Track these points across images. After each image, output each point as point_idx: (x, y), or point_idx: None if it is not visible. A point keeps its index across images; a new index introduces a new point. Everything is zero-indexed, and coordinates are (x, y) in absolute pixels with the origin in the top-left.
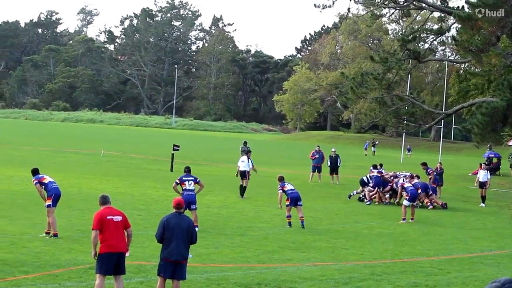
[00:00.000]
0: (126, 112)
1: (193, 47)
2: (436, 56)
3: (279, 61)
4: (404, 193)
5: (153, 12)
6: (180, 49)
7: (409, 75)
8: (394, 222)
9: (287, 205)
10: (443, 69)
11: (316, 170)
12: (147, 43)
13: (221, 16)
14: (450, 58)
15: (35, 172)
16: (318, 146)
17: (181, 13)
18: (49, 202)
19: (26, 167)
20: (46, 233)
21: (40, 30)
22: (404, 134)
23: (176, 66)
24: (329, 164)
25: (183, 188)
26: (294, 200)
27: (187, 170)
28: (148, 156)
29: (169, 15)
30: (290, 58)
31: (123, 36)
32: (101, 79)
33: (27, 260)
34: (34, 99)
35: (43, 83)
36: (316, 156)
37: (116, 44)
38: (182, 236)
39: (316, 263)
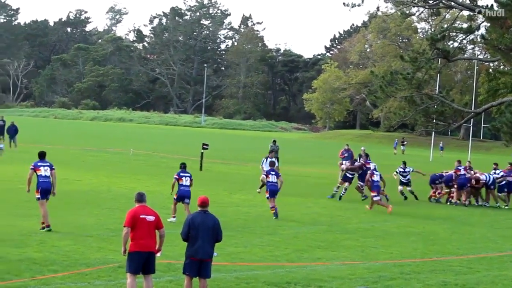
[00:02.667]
0: (155, 111)
1: (222, 46)
2: (466, 55)
3: (308, 60)
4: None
5: (182, 11)
6: (209, 48)
7: (439, 74)
8: (424, 221)
9: (267, 197)
10: (472, 68)
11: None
12: (176, 42)
13: (250, 15)
14: (479, 57)
15: (40, 156)
16: (347, 144)
17: (210, 12)
18: (38, 195)
19: (55, 166)
20: (42, 223)
21: (69, 29)
22: (433, 133)
23: (205, 65)
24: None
25: (180, 183)
26: (272, 192)
27: (184, 166)
28: (177, 155)
29: (198, 14)
30: (320, 56)
31: (152, 35)
32: (130, 78)
33: (57, 259)
34: (63, 98)
35: (72, 82)
36: (345, 154)
37: (145, 43)
38: (207, 235)
39: (345, 262)
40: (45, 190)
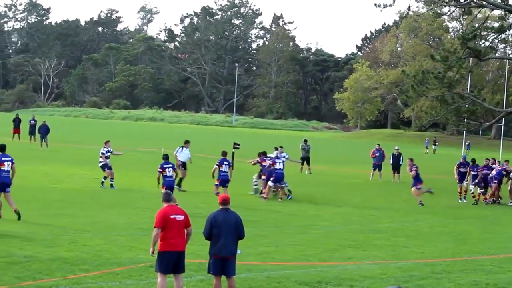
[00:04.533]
0: (186, 110)
1: (254, 46)
2: (497, 54)
3: (339, 59)
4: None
5: (213, 11)
6: (240, 47)
7: (470, 73)
8: (455, 221)
9: (216, 185)
10: (503, 67)
11: (377, 168)
12: (208, 42)
13: (281, 14)
14: (510, 56)
15: (2, 149)
16: (378, 144)
17: (242, 11)
18: None
19: (87, 165)
20: None
21: (100, 29)
22: (464, 132)
23: (236, 64)
24: (391, 162)
25: (164, 175)
26: (223, 181)
27: (166, 158)
28: (208, 154)
29: (229, 13)
30: (351, 56)
31: (183, 35)
32: (161, 78)
33: (88, 258)
34: (94, 97)
35: (103, 82)
36: (377, 154)
37: (176, 42)
38: (230, 232)
39: (376, 261)
40: (5, 183)
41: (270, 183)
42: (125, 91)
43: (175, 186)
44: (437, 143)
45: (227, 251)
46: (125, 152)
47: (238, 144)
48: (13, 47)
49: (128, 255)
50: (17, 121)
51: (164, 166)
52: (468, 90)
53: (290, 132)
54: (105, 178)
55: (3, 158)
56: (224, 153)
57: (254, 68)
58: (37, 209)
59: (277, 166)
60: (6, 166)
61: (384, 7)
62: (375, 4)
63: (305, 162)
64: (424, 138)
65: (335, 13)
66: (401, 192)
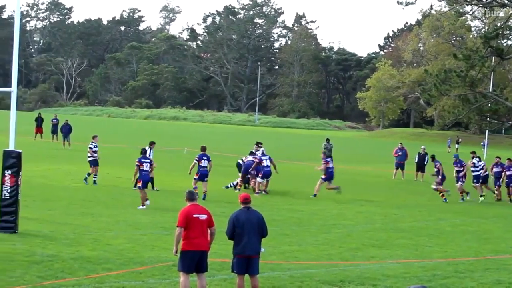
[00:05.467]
0: (209, 109)
1: (276, 45)
2: None
3: (362, 58)
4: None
5: (236, 10)
6: (262, 46)
7: (492, 72)
8: (478, 220)
9: (195, 179)
10: None
11: (399, 167)
12: (230, 41)
13: (303, 13)
14: None
15: None
16: (401, 143)
17: (264, 10)
18: None
19: (109, 165)
20: None
21: (122, 28)
22: (487, 131)
23: (259, 63)
24: (416, 161)
25: (141, 169)
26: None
27: (144, 152)
28: (231, 153)
29: (251, 12)
30: (373, 55)
31: (205, 34)
32: (184, 77)
33: (111, 257)
34: (117, 96)
35: (125, 81)
36: (399, 153)
37: (198, 41)
38: (253, 231)
39: (399, 261)
40: None
41: (259, 179)
42: (147, 90)
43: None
44: (460, 142)
45: (251, 250)
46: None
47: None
48: (35, 47)
49: (151, 254)
50: (39, 121)
51: (142, 160)
52: (490, 89)
53: (313, 131)
54: (88, 174)
55: None
56: (203, 148)
57: (277, 67)
58: (60, 208)
59: (264, 163)
60: None
61: (406, 5)
62: (398, 2)
63: None
64: (446, 137)
65: (357, 12)
66: (424, 191)
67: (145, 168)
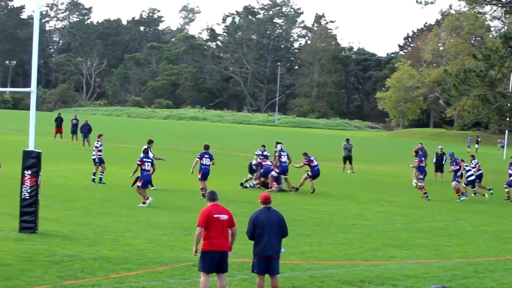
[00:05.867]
0: (228, 109)
1: (296, 45)
2: None
3: (381, 58)
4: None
5: (255, 10)
6: (282, 46)
7: None
8: (498, 220)
9: (199, 179)
10: None
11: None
12: (249, 41)
13: (323, 13)
14: None
15: None
16: (421, 143)
17: (283, 10)
18: None
19: (129, 164)
20: None
21: (142, 28)
22: (506, 131)
23: (278, 63)
24: (434, 161)
25: (143, 168)
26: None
27: (146, 152)
28: (251, 153)
29: (271, 12)
30: (393, 55)
31: (225, 34)
32: (203, 77)
33: (130, 257)
34: (136, 96)
35: (145, 81)
36: (419, 153)
37: (218, 41)
38: (273, 231)
39: (419, 261)
40: None
41: (274, 173)
42: (167, 90)
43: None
44: (479, 142)
45: (271, 250)
46: (167, 151)
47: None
48: (55, 47)
49: (171, 254)
50: (59, 121)
51: (144, 159)
52: (510, 89)
53: (332, 131)
54: (94, 173)
55: None
56: (206, 147)
57: (296, 67)
58: (80, 208)
59: (283, 159)
60: None
61: (425, 4)
62: (417, 1)
63: (347, 161)
64: (466, 137)
65: (377, 12)
66: (444, 191)
67: (146, 168)
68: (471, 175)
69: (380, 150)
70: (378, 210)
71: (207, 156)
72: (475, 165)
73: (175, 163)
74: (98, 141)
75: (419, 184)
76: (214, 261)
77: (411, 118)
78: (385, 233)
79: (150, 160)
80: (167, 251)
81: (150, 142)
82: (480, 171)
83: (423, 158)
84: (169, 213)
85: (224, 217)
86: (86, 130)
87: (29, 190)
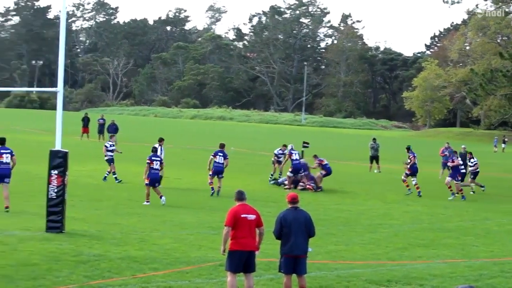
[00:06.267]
0: (255, 109)
1: (322, 44)
2: None
3: (408, 58)
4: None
5: (282, 9)
6: (309, 46)
7: None
8: None
9: (210, 175)
10: None
11: (446, 167)
12: (276, 40)
13: (349, 13)
14: None
15: (0, 142)
16: (448, 143)
17: (310, 10)
18: None
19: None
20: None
21: (168, 28)
22: None
23: (305, 63)
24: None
25: (151, 167)
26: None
27: (155, 150)
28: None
29: (297, 12)
30: (419, 55)
31: (251, 34)
32: (230, 76)
33: (157, 257)
34: (163, 96)
35: (172, 81)
36: (446, 153)
37: (244, 41)
38: (300, 231)
39: (446, 260)
40: (2, 175)
41: (289, 173)
42: (193, 90)
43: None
44: (506, 142)
45: (299, 249)
46: (195, 151)
47: (308, 143)
48: (81, 47)
49: (197, 254)
50: (86, 120)
51: (153, 158)
52: None
53: (359, 131)
54: (109, 172)
55: (1, 151)
56: (221, 145)
57: (323, 66)
58: (106, 208)
59: (294, 157)
60: (5, 158)
61: (452, 4)
62: (443, 1)
63: (374, 161)
64: (493, 137)
65: (403, 12)
66: (470, 191)
67: (154, 166)
68: (463, 169)
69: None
70: (405, 209)
71: (221, 154)
72: (474, 164)
73: (202, 163)
74: (109, 141)
75: (403, 177)
76: (241, 261)
77: (437, 117)
78: (412, 233)
79: (159, 159)
80: (194, 251)
81: (161, 140)
82: (478, 170)
83: (415, 155)
84: (196, 212)
85: (251, 217)
86: (113, 130)
87: (55, 190)
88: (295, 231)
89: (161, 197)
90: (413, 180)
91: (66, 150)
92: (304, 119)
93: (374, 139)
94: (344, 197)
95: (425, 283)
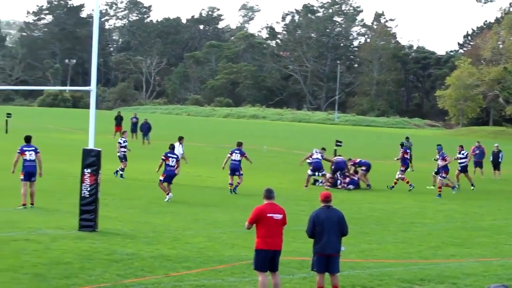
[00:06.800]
0: (288, 108)
1: (355, 43)
2: None
3: (441, 56)
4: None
5: (315, 8)
6: (342, 44)
7: None
8: None
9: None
10: None
11: (477, 166)
12: (309, 39)
13: (382, 11)
14: None
15: (26, 140)
16: (478, 141)
17: (343, 8)
18: (21, 177)
19: (189, 163)
20: (23, 204)
21: (201, 27)
22: None
23: (338, 62)
24: (491, 159)
25: (167, 163)
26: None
27: (172, 147)
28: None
29: (330, 11)
30: (452, 53)
31: (284, 32)
32: (263, 75)
33: (190, 256)
34: (196, 95)
35: (205, 79)
36: (477, 151)
37: (277, 40)
38: (333, 230)
39: (479, 259)
40: (29, 172)
41: (309, 171)
42: (226, 89)
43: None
44: None
45: (331, 248)
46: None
47: (341, 142)
48: (114, 45)
49: (230, 253)
50: (119, 119)
51: (168, 155)
52: None
53: (392, 130)
54: (122, 169)
55: (24, 148)
56: (239, 144)
57: (356, 65)
58: (139, 207)
59: (315, 156)
60: (28, 156)
61: (485, 3)
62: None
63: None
64: None
65: (436, 10)
66: (503, 190)
67: (170, 163)
68: (463, 162)
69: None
70: (439, 208)
71: (238, 152)
72: (466, 155)
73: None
74: (122, 137)
75: (400, 176)
76: (267, 260)
77: (470, 116)
78: (445, 232)
79: (175, 156)
80: (227, 250)
81: (180, 138)
82: (467, 163)
83: (408, 150)
84: (229, 211)
85: (278, 216)
86: (146, 128)
87: (88, 189)
88: (328, 230)
89: (167, 194)
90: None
91: (99, 149)
92: (337, 118)
93: (407, 137)
94: (377, 195)
95: (458, 282)
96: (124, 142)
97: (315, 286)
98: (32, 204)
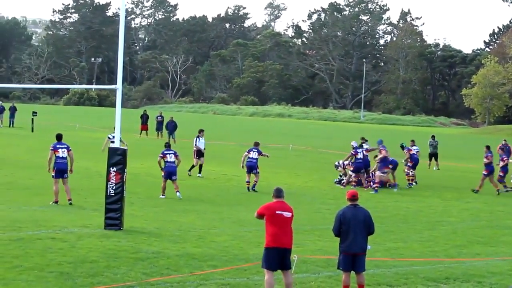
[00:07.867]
0: (314, 106)
1: (381, 41)
2: None
3: (466, 55)
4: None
5: (341, 7)
6: (368, 43)
7: None
8: None
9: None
10: None
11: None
12: (335, 38)
13: (409, 10)
14: None
15: (58, 138)
16: (505, 140)
17: (369, 7)
18: (53, 174)
19: (214, 161)
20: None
21: (227, 25)
22: None
23: (364, 60)
24: None
25: (165, 160)
26: (249, 168)
27: (168, 145)
28: (337, 150)
29: (356, 9)
30: (478, 51)
31: (310, 31)
32: (289, 74)
33: (216, 254)
34: (222, 93)
35: (231, 78)
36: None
37: (303, 38)
38: (359, 228)
39: (505, 258)
40: (61, 170)
41: (350, 172)
42: (252, 87)
43: (197, 174)
44: None
45: (357, 247)
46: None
47: (366, 140)
48: (140, 44)
49: (256, 251)
50: (144, 118)
51: (165, 152)
52: None
53: (418, 128)
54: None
55: (57, 146)
56: (256, 143)
57: (382, 64)
58: (165, 205)
59: (358, 156)
60: (61, 153)
61: (511, 2)
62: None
63: (433, 158)
64: None
65: (462, 9)
66: None
67: (169, 160)
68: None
69: (466, 147)
70: (464, 207)
71: (255, 150)
72: (416, 152)
73: (260, 160)
74: (112, 133)
75: (410, 172)
76: (277, 258)
77: (496, 114)
78: (470, 230)
79: (172, 152)
80: (252, 248)
81: (200, 131)
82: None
83: (409, 148)
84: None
85: (288, 214)
86: (171, 127)
87: (114, 187)
88: (354, 229)
89: (177, 192)
90: (412, 172)
91: (125, 147)
92: (363, 116)
93: (433, 136)
94: (402, 194)
95: (484, 280)
96: (113, 137)
97: (341, 284)
98: (69, 200)
